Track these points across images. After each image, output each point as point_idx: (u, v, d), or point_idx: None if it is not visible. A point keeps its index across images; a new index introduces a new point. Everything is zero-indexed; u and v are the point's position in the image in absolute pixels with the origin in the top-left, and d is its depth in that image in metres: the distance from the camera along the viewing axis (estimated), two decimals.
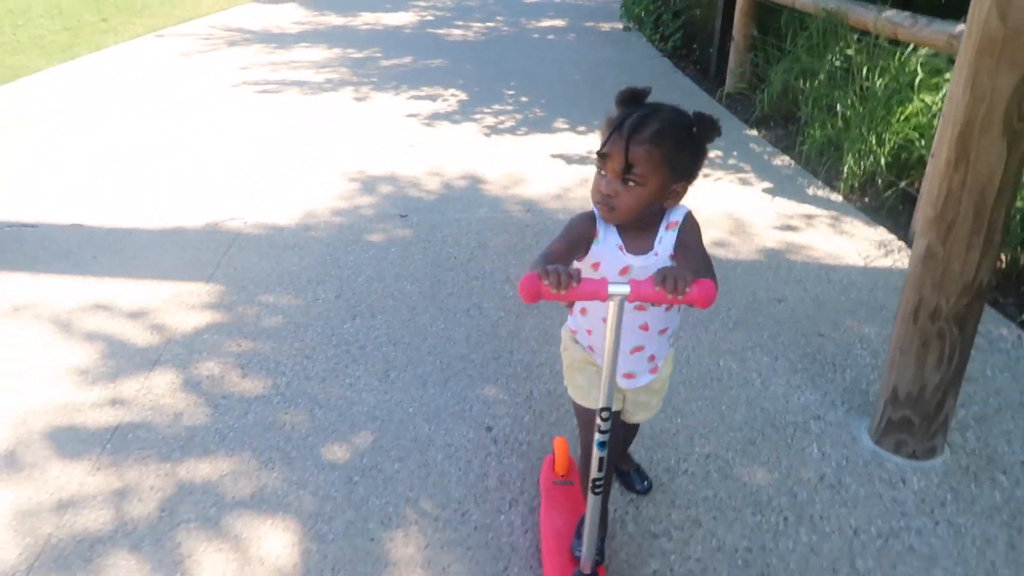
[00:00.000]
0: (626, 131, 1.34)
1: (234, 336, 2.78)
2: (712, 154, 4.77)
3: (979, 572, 1.82)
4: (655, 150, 1.35)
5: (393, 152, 4.78)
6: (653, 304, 1.50)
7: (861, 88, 4.14)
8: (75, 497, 2.03)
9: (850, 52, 4.29)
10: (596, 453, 1.49)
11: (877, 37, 4.07)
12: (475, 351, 2.71)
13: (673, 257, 1.48)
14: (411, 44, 8.37)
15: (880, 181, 3.98)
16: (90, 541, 1.89)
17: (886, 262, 3.39)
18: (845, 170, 4.04)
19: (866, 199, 4.05)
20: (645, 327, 1.57)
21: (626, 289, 1.29)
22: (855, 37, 4.34)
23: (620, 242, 1.48)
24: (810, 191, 4.19)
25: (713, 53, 6.59)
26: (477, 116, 5.60)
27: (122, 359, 2.63)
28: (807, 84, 4.68)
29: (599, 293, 1.29)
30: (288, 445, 2.24)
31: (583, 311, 1.62)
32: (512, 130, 5.29)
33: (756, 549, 1.87)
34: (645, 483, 2.04)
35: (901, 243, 3.56)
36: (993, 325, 2.88)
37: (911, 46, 3.90)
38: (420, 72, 7.03)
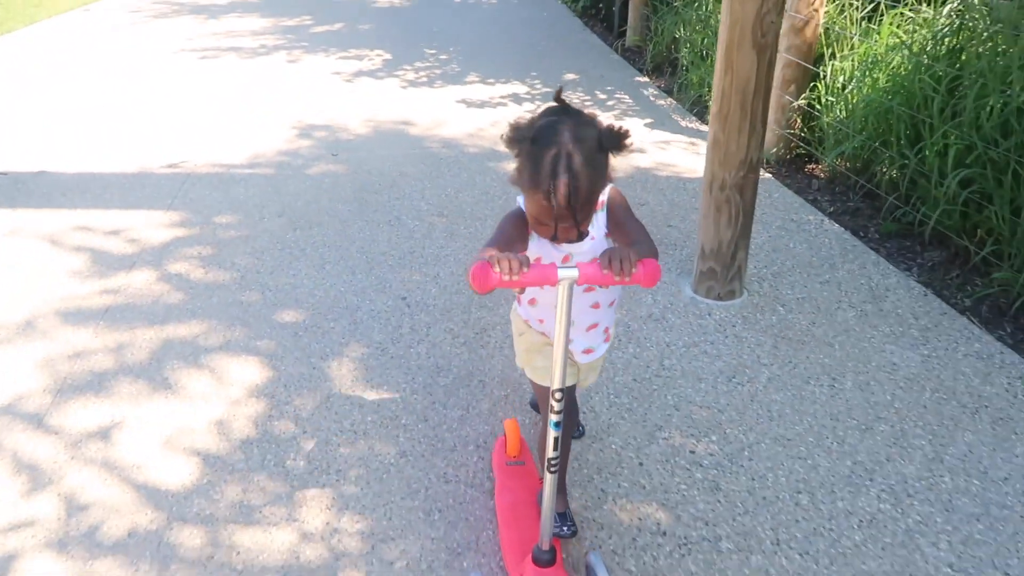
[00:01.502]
0: (563, 201, 1.34)
1: (195, 245, 3.39)
2: (606, 99, 5.48)
3: (748, 361, 2.57)
4: (591, 202, 1.40)
5: (324, 104, 5.36)
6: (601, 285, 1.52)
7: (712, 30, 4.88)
8: (83, 351, 2.65)
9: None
10: (551, 433, 1.49)
11: None
12: (394, 249, 3.37)
13: (609, 235, 1.53)
14: (340, 11, 8.84)
15: None
16: (98, 376, 2.52)
17: None
18: (693, 94, 4.78)
19: None
20: (596, 305, 1.64)
21: (574, 273, 1.31)
22: None
23: (555, 235, 1.46)
24: (683, 123, 4.94)
25: (615, 11, 7.28)
26: (400, 72, 6.20)
27: (104, 264, 3.22)
28: (684, 33, 5.40)
29: (549, 278, 1.31)
30: (247, 314, 2.87)
31: (532, 301, 1.67)
32: (431, 83, 5.91)
33: None
34: (579, 429, 2.15)
35: None
36: (805, 213, 3.65)
37: None
38: (348, 36, 7.56)
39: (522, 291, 1.66)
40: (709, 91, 4.95)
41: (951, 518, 1.94)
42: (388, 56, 6.74)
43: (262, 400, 2.40)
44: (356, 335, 2.75)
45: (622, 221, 1.54)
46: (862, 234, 3.43)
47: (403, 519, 1.96)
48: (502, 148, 4.12)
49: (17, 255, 3.29)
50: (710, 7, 5.22)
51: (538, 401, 1.80)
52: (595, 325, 1.67)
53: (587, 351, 1.71)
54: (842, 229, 3.47)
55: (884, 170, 3.43)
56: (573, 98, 5.42)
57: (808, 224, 3.54)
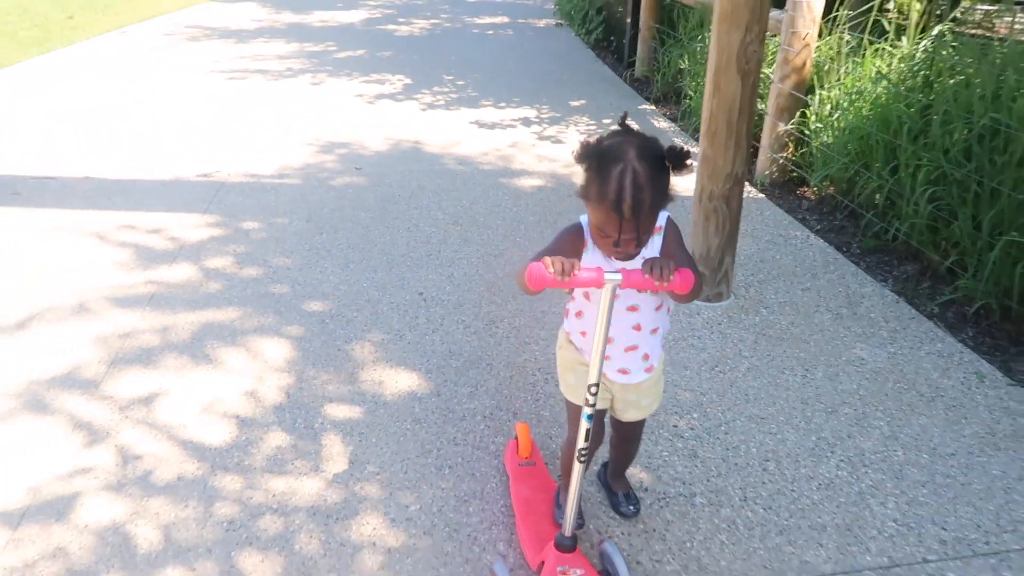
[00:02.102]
0: (628, 213, 1.43)
1: (229, 244, 3.70)
2: (612, 124, 5.81)
3: (731, 354, 2.85)
4: (654, 215, 1.50)
5: (348, 124, 5.71)
6: (639, 291, 1.63)
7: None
8: (131, 331, 2.95)
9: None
10: (584, 424, 1.62)
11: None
12: (412, 251, 3.68)
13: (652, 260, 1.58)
14: (362, 38, 9.28)
15: None
16: (146, 352, 2.81)
17: None
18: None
19: None
20: (638, 327, 1.71)
21: (618, 277, 1.45)
22: None
23: (617, 243, 1.52)
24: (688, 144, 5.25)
25: (625, 43, 7.65)
26: (419, 96, 6.57)
27: (147, 258, 3.54)
28: (688, 64, 5.74)
29: (596, 280, 1.45)
30: (278, 304, 3.17)
31: (579, 314, 1.75)
32: (447, 106, 6.26)
33: None
34: (631, 507, 2.08)
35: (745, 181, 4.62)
36: (793, 229, 3.94)
37: None
38: (371, 62, 7.96)
39: (572, 298, 1.76)
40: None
41: (900, 484, 2.20)
42: (408, 81, 7.12)
43: (292, 375, 2.69)
44: (377, 323, 3.04)
45: (672, 246, 1.64)
46: (844, 249, 3.71)
47: (417, 472, 2.24)
48: (513, 166, 4.48)
49: (67, 249, 3.62)
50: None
51: (568, 416, 1.90)
52: (634, 347, 1.73)
53: (623, 371, 1.76)
54: (826, 244, 3.76)
55: (865, 190, 3.72)
56: (580, 122, 5.76)
57: (795, 239, 3.82)
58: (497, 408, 2.53)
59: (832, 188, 4.12)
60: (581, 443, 1.64)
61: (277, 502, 2.13)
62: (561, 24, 10.46)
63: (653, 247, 1.63)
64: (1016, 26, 3.77)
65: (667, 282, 1.42)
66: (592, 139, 1.53)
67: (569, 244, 1.62)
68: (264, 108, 6.10)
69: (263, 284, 3.34)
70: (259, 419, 2.47)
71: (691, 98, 5.55)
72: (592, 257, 1.62)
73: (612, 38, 8.42)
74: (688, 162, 1.48)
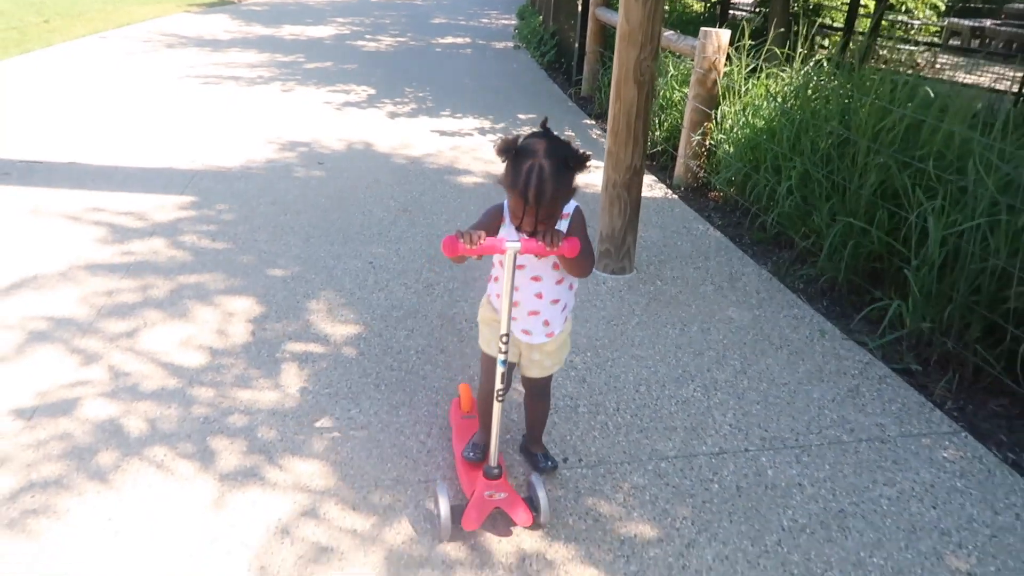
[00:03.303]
0: (533, 200, 1.73)
1: (202, 223, 4.21)
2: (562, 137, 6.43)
3: (625, 313, 3.43)
4: (553, 204, 1.77)
5: (313, 126, 6.26)
6: (537, 257, 1.91)
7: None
8: (113, 290, 3.44)
9: None
10: (499, 369, 1.94)
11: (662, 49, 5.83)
12: (366, 230, 4.22)
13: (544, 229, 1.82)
14: (330, 52, 9.84)
15: (658, 149, 5.72)
16: (127, 306, 3.31)
17: (654, 193, 5.07)
18: None
19: (653, 163, 5.77)
20: (540, 295, 2.00)
21: (517, 245, 1.77)
22: None
23: (520, 224, 1.82)
24: None
25: (573, 65, 8.33)
26: (380, 104, 7.14)
27: (125, 234, 4.03)
28: None
29: (498, 247, 1.76)
30: (245, 269, 3.69)
31: (495, 279, 2.06)
32: (408, 115, 6.85)
33: None
34: (549, 463, 2.35)
35: (663, 186, 5.26)
36: (697, 224, 4.57)
37: (676, 54, 5.66)
38: (337, 73, 8.52)
39: (480, 259, 1.95)
40: None
41: (740, 402, 2.80)
42: (371, 91, 7.69)
43: (256, 322, 3.21)
44: (332, 284, 3.58)
45: (575, 231, 1.92)
46: (737, 240, 4.35)
47: (358, 388, 2.77)
48: (458, 165, 5.09)
49: (52, 226, 4.09)
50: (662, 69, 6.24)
51: (481, 367, 2.22)
52: (536, 312, 2.01)
53: (525, 331, 2.05)
54: (722, 235, 4.39)
55: (754, 191, 4.37)
56: (525, 132, 6.37)
57: (696, 231, 4.45)
58: (428, 346, 3.08)
59: (733, 190, 4.77)
60: (498, 384, 1.95)
61: (243, 406, 2.65)
62: (519, 47, 11.14)
63: (561, 228, 1.91)
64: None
65: (556, 247, 1.73)
66: (511, 137, 1.82)
67: (492, 219, 1.93)
68: (236, 110, 6.62)
69: (232, 254, 3.85)
70: (228, 351, 2.99)
71: None
72: (509, 231, 1.90)
73: (563, 60, 9.10)
74: (587, 164, 1.78)
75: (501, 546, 2.10)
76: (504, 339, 1.90)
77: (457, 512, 2.07)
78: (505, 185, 1.81)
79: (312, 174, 5.10)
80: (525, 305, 2.02)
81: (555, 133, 1.89)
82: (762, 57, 4.75)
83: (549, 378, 2.23)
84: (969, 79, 6.61)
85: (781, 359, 3.10)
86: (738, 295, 3.64)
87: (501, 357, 1.93)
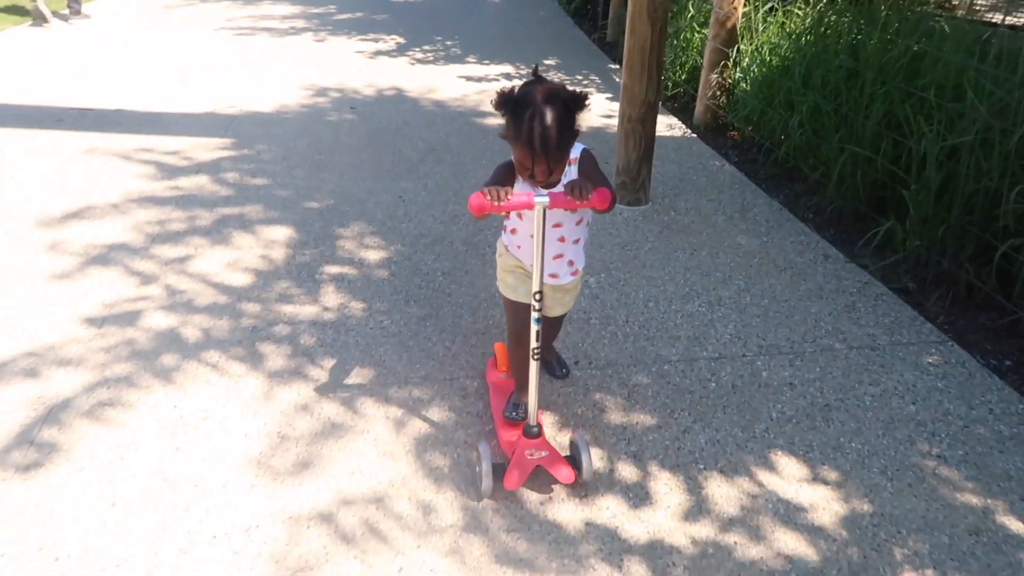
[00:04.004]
0: (538, 148, 1.72)
1: (243, 162, 4.48)
2: (581, 79, 6.58)
3: (638, 239, 3.64)
4: (561, 149, 1.78)
5: (345, 73, 6.47)
6: (565, 210, 1.91)
7: (673, 27, 5.99)
8: (164, 219, 3.73)
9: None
10: (533, 327, 1.92)
11: None
12: (395, 167, 4.47)
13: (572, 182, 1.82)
14: (361, 3, 9.98)
15: (680, 90, 5.84)
16: (176, 234, 3.60)
17: (674, 133, 5.22)
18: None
19: (674, 104, 5.90)
20: (562, 239, 2.05)
21: (546, 199, 1.75)
22: None
23: (532, 174, 1.83)
24: None
25: (599, 11, 8.39)
26: (409, 52, 7.32)
27: (172, 171, 4.32)
28: None
29: (527, 203, 1.74)
30: (284, 203, 3.96)
31: (513, 231, 2.09)
32: (435, 62, 7.02)
33: None
34: (563, 370, 2.55)
35: (684, 126, 5.40)
36: (713, 160, 4.73)
37: None
38: (368, 23, 8.69)
39: (507, 217, 2.04)
40: (667, 79, 6.05)
41: (742, 316, 3.01)
42: (401, 40, 7.86)
43: (296, 248, 3.49)
44: (364, 215, 3.84)
45: (589, 172, 1.91)
46: (751, 175, 4.51)
47: (390, 303, 3.04)
48: (483, 108, 5.31)
49: (104, 165, 4.40)
50: (683, 9, 6.31)
51: (506, 312, 2.25)
52: (561, 256, 2.08)
53: (553, 275, 2.10)
54: (737, 171, 4.55)
55: (768, 126, 4.51)
56: (553, 78, 6.52)
57: (712, 167, 4.62)
58: (453, 268, 3.33)
59: (751, 129, 4.91)
60: (533, 343, 1.95)
61: (286, 318, 2.93)
62: None
63: (570, 175, 1.91)
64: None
65: (586, 200, 1.72)
66: (507, 89, 1.78)
67: (505, 174, 1.91)
68: (270, 60, 6.85)
69: (271, 189, 4.12)
70: (271, 272, 3.27)
71: None
72: (523, 186, 1.91)
73: (589, 6, 9.14)
74: (586, 103, 1.78)
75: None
76: (538, 296, 1.90)
77: (499, 471, 2.07)
78: (509, 138, 1.80)
79: (344, 118, 5.34)
80: (550, 251, 2.05)
81: (550, 77, 2.08)
82: None
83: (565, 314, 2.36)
84: (1010, 20, 6.58)
85: (784, 279, 3.30)
86: (748, 224, 3.83)
87: (535, 315, 1.92)
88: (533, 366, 1.98)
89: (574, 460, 2.11)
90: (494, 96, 1.80)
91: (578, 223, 2.05)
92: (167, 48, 7.13)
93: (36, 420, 2.36)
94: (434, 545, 1.96)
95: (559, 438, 2.34)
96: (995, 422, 2.45)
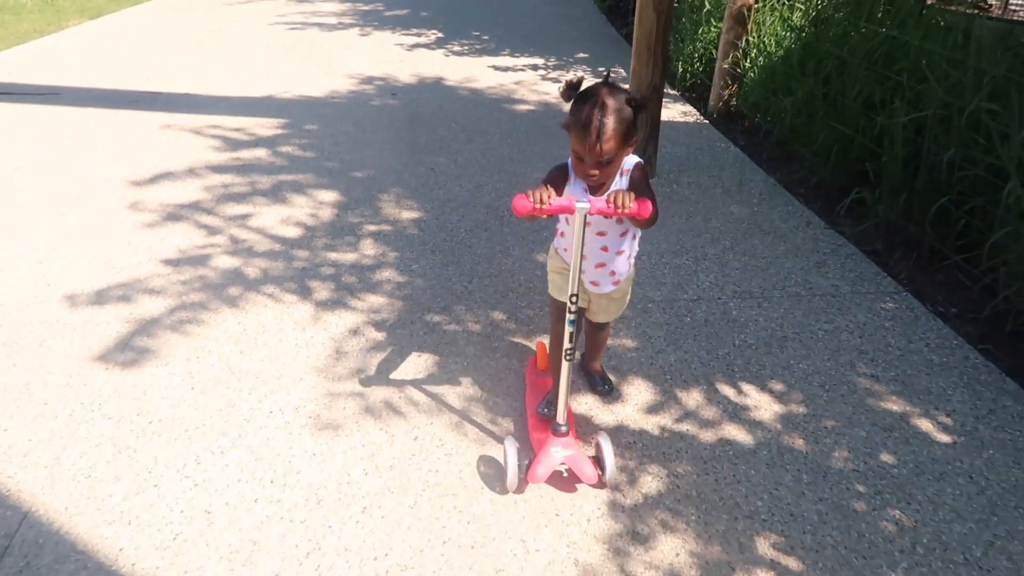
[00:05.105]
0: (593, 135, 1.76)
1: (296, 138, 5.05)
2: (604, 71, 7.02)
3: None
4: (614, 137, 1.79)
5: (388, 63, 7.03)
6: (606, 217, 1.94)
7: (691, 21, 6.41)
8: (228, 184, 4.30)
9: None
10: (568, 329, 1.95)
11: None
12: (430, 145, 4.98)
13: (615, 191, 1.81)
14: (407, 1, 10.56)
15: (697, 80, 6.26)
16: (238, 195, 4.16)
17: (688, 119, 5.65)
18: (679, 74, 6.32)
19: (692, 93, 6.32)
20: (605, 249, 2.07)
21: (587, 205, 1.77)
22: None
23: (585, 186, 1.93)
24: (666, 91, 6.45)
25: (631, 7, 8.81)
26: (448, 45, 7.85)
27: (235, 144, 4.90)
28: (677, 24, 6.92)
29: (568, 207, 1.77)
30: (331, 172, 4.50)
31: (562, 233, 2.16)
32: (471, 54, 7.54)
33: None
34: (606, 387, 2.54)
35: (699, 114, 5.82)
36: (720, 143, 5.15)
37: None
38: (411, 19, 9.25)
39: (549, 218, 2.03)
40: (686, 71, 6.47)
41: (723, 269, 3.45)
42: (441, 35, 8.40)
43: (340, 208, 4.02)
44: (400, 184, 4.36)
45: (637, 184, 1.95)
46: (754, 156, 4.91)
47: (418, 252, 3.55)
48: (515, 95, 5.81)
49: (174, 140, 5.00)
50: (700, 4, 6.73)
51: (550, 311, 2.34)
52: (603, 265, 2.11)
53: (594, 283, 2.17)
54: (741, 152, 4.97)
55: (770, 111, 4.91)
56: (578, 70, 6.99)
57: (718, 149, 5.04)
58: (475, 227, 3.83)
59: (758, 117, 5.31)
60: (567, 344, 1.98)
61: (331, 262, 3.46)
62: None
63: (621, 184, 1.96)
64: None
65: (626, 209, 1.73)
66: (575, 79, 1.88)
67: (557, 175, 1.98)
68: (321, 51, 7.44)
69: (320, 160, 4.67)
70: (318, 227, 3.80)
71: (676, 54, 6.72)
72: (573, 190, 1.97)
73: (621, 4, 9.57)
74: (646, 106, 1.90)
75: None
76: (573, 299, 1.93)
77: (525, 466, 2.13)
78: (568, 124, 1.87)
79: (386, 103, 5.88)
80: (592, 259, 2.11)
81: (576, 73, 2.09)
82: None
83: (611, 321, 2.42)
84: None
85: (767, 241, 3.73)
86: (743, 196, 4.26)
87: (570, 316, 1.96)
88: (565, 366, 2.03)
89: (598, 460, 2.17)
90: (561, 86, 1.89)
91: (623, 234, 2.08)
92: (226, 40, 7.78)
93: (131, 332, 2.92)
94: (443, 421, 2.46)
95: (584, 437, 2.40)
96: (929, 353, 2.86)
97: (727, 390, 2.64)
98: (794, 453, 2.35)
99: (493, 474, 2.25)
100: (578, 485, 2.20)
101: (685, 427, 2.46)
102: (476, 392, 2.60)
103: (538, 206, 1.75)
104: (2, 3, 9.43)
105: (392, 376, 2.68)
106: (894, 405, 2.57)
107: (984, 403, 2.59)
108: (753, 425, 2.47)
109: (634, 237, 2.13)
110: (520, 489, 2.15)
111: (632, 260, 2.20)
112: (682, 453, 2.35)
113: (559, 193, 1.93)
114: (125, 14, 9.10)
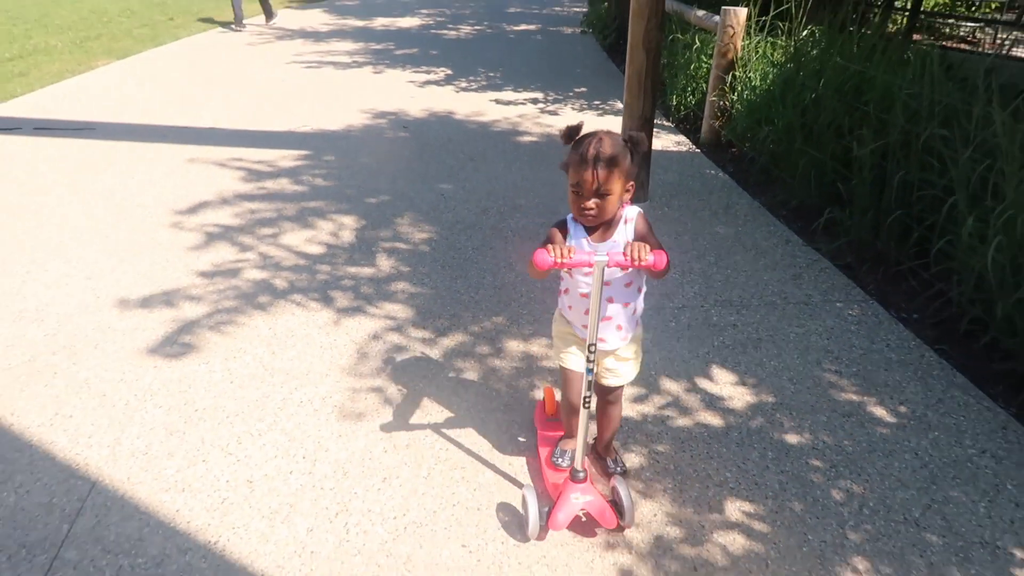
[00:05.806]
0: (591, 163, 1.81)
1: (315, 168, 5.45)
2: (600, 103, 7.45)
3: None
4: (613, 169, 1.84)
5: (400, 99, 7.47)
6: (623, 270, 1.96)
7: (684, 58, 6.83)
8: (255, 209, 4.69)
9: (679, 36, 6.99)
10: (585, 377, 1.99)
11: (690, 26, 6.77)
12: (439, 173, 5.38)
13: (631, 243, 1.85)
14: (416, 40, 11.09)
15: (690, 112, 6.67)
16: (265, 220, 4.55)
17: (680, 148, 6.03)
18: (673, 107, 6.73)
19: (685, 125, 6.72)
20: (611, 299, 2.04)
21: (604, 258, 1.82)
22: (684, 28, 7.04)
23: (587, 236, 1.95)
24: (660, 123, 6.87)
25: None
26: (456, 82, 8.31)
27: (259, 175, 5.30)
28: (671, 61, 7.36)
29: (588, 262, 1.83)
30: (349, 198, 4.89)
31: (565, 291, 2.12)
32: (479, 90, 7.98)
33: None
34: (620, 468, 2.44)
35: (691, 143, 6.21)
36: (710, 170, 5.53)
37: (706, 31, 6.59)
38: (421, 58, 9.74)
39: (568, 273, 2.05)
40: (679, 103, 6.89)
41: (706, 280, 3.79)
42: (450, 72, 8.87)
43: (358, 230, 4.40)
44: (412, 208, 4.74)
45: (645, 235, 1.97)
46: (742, 182, 5.28)
47: (429, 267, 3.91)
48: (519, 128, 6.25)
49: (203, 171, 5.41)
50: (692, 43, 7.17)
51: (561, 379, 2.26)
52: (609, 318, 2.07)
53: (600, 339, 2.07)
54: (729, 179, 5.34)
55: (756, 140, 5.29)
56: (576, 104, 7.42)
57: (708, 176, 5.42)
58: (481, 245, 4.19)
59: (747, 146, 5.69)
60: (584, 391, 2.02)
61: (350, 275, 3.82)
62: (586, 32, 12.12)
63: (627, 234, 1.97)
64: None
65: (642, 261, 1.77)
66: (574, 124, 1.93)
67: (557, 233, 2.01)
68: (336, 88, 7.91)
69: (338, 188, 5.06)
70: (339, 246, 4.17)
71: (669, 90, 7.15)
72: (574, 243, 1.98)
73: (622, 42, 10.05)
74: (643, 145, 1.91)
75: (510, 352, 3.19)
76: (592, 348, 1.95)
77: (545, 514, 2.15)
78: (566, 162, 1.92)
79: (399, 135, 6.30)
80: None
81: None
82: (765, 31, 5.65)
83: (622, 387, 2.30)
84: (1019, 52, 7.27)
85: (748, 257, 4.07)
86: (728, 218, 4.62)
87: (589, 366, 1.98)
88: (583, 413, 2.05)
89: (617, 505, 2.19)
90: (562, 128, 1.93)
91: (627, 285, 2.05)
92: (247, 78, 8.26)
93: (175, 331, 3.28)
94: (453, 409, 2.80)
95: (597, 478, 2.42)
96: (888, 352, 3.18)
97: (705, 383, 2.97)
98: (761, 434, 2.68)
99: (495, 450, 2.58)
100: (597, 529, 2.24)
101: (666, 413, 2.79)
102: (481, 384, 2.94)
103: (559, 260, 1.80)
104: (34, 45, 9.98)
105: (407, 373, 3.02)
106: (854, 395, 2.89)
107: (934, 393, 2.91)
108: (726, 412, 2.80)
109: (640, 290, 2.11)
110: (541, 536, 2.19)
111: (639, 317, 2.18)
112: (662, 435, 2.68)
113: None
114: (150, 54, 9.62)
